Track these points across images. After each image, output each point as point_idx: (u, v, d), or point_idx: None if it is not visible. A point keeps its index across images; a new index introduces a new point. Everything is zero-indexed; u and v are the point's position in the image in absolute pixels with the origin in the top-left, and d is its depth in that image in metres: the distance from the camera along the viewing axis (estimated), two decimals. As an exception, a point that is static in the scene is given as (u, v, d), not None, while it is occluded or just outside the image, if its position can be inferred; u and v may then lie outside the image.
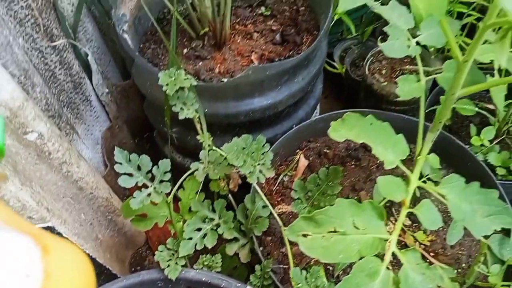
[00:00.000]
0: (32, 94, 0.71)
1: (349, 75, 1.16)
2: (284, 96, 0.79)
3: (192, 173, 0.69)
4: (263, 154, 0.65)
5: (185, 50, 0.86)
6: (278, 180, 0.83)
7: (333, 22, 1.06)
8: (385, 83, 1.02)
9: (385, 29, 0.53)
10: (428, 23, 0.50)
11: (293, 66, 0.76)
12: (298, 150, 0.87)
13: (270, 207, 0.70)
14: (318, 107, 1.02)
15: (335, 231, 0.42)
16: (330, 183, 0.64)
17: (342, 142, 0.87)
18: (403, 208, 0.46)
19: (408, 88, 0.51)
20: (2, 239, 0.28)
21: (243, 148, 0.65)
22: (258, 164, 0.65)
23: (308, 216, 0.42)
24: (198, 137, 0.69)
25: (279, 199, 0.81)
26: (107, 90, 1.00)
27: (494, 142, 0.85)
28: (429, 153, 0.53)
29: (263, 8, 0.93)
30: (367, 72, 1.06)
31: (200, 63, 0.83)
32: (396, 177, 0.47)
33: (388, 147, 0.45)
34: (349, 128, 0.46)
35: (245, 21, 0.92)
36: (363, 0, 0.46)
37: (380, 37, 1.05)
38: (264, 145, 0.66)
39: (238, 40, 0.88)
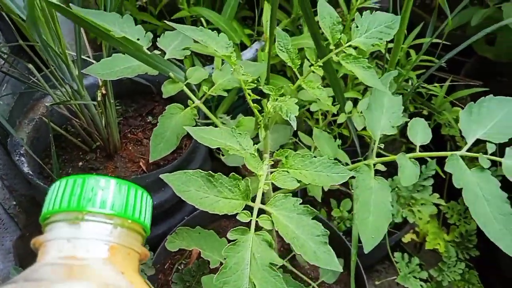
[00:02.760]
0: None
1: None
2: (169, 195, 0.91)
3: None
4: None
5: (80, 163, 0.97)
6: (174, 269, 0.93)
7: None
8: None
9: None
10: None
11: (173, 170, 0.89)
12: (191, 239, 0.98)
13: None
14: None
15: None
16: (202, 273, 0.75)
17: (229, 226, 0.99)
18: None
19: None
20: None
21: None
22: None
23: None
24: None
25: (174, 288, 0.90)
26: (14, 203, 1.07)
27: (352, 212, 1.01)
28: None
29: (150, 117, 1.07)
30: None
31: (94, 174, 0.95)
32: None
33: (214, 250, 0.58)
34: (182, 239, 0.58)
35: (136, 129, 1.05)
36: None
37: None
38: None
39: (130, 148, 1.01)
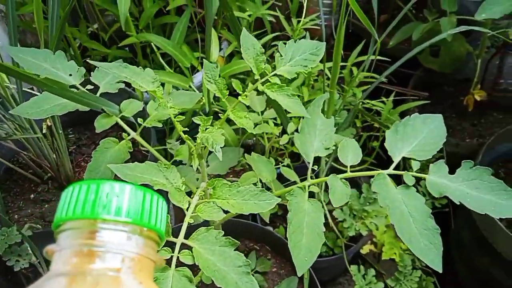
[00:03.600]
0: None
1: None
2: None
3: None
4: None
5: (32, 195, 0.96)
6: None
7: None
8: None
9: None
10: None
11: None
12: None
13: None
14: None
15: None
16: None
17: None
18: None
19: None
20: None
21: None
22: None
23: None
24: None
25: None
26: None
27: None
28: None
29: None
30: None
31: (46, 205, 0.93)
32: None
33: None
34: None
35: (89, 157, 1.04)
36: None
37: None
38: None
39: (83, 177, 1.00)
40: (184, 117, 0.51)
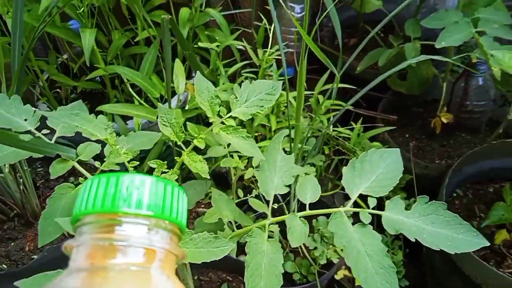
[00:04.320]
0: None
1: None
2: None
3: None
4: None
5: (-3, 234, 0.94)
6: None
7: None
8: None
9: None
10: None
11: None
12: None
13: None
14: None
15: None
16: None
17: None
18: None
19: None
20: None
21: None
22: None
23: None
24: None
25: None
26: None
27: (286, 251, 1.03)
28: None
29: (72, 178, 1.05)
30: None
31: (12, 244, 0.91)
32: None
33: None
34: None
35: (58, 191, 1.02)
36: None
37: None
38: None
39: (52, 211, 0.98)
40: (138, 162, 0.51)
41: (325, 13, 0.83)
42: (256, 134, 1.07)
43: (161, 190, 0.24)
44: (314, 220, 0.99)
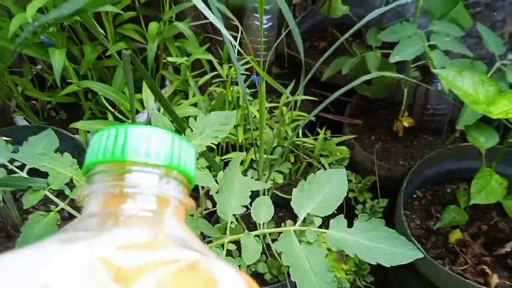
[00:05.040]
0: None
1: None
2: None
3: None
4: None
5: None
6: None
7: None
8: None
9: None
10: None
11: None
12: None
13: None
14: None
15: None
16: None
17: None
18: None
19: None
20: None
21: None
22: None
23: None
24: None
25: None
26: None
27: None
28: None
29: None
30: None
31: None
32: None
33: None
34: None
35: (39, 203, 1.07)
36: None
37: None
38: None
39: (32, 223, 1.02)
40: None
41: (286, 30, 0.88)
42: (227, 140, 1.12)
43: (169, 141, 0.25)
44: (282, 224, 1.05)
